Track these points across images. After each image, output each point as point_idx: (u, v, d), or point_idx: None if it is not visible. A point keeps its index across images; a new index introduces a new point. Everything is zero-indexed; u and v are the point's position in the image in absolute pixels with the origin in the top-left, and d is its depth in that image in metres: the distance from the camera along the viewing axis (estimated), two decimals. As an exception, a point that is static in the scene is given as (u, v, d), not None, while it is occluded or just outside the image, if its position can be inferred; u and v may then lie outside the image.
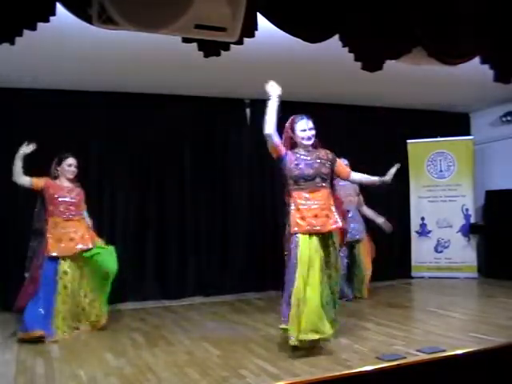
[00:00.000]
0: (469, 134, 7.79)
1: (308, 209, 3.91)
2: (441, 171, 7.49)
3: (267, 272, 6.70)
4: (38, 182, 4.64)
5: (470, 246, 7.23)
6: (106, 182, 6.14)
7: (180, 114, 6.46)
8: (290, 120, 4.08)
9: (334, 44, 3.24)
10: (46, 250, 4.49)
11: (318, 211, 3.91)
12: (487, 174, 7.57)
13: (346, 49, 3.32)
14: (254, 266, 6.66)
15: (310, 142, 4.00)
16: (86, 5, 2.57)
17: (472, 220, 7.30)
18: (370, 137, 7.27)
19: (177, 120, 6.46)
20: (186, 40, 2.99)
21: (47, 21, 2.67)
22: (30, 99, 5.69)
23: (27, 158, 5.71)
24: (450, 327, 4.37)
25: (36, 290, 4.40)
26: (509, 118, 7.24)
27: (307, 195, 3.94)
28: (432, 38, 3.31)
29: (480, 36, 3.43)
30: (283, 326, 3.80)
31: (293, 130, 4.02)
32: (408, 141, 7.45)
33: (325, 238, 3.93)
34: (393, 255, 7.28)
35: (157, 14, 2.53)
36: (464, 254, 7.21)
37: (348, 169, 4.22)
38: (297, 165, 3.95)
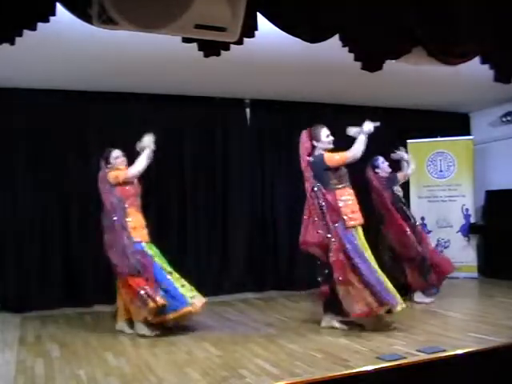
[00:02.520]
0: (469, 134, 7.80)
1: (353, 204, 4.45)
2: (441, 171, 7.49)
3: (267, 272, 6.71)
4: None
5: (470, 246, 7.23)
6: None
7: (180, 114, 6.46)
8: (307, 133, 4.55)
9: (334, 44, 3.24)
10: (130, 237, 4.50)
11: (357, 205, 4.48)
12: (487, 174, 7.57)
13: (346, 49, 3.32)
14: (253, 266, 6.66)
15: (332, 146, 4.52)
16: (85, 5, 2.56)
17: (472, 220, 7.29)
18: (370, 137, 7.25)
19: (177, 120, 6.46)
20: (185, 40, 2.99)
21: (47, 21, 2.67)
22: (30, 99, 5.68)
23: (28, 159, 5.77)
24: (450, 327, 4.37)
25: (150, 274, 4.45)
26: (509, 118, 7.23)
27: (350, 191, 4.49)
28: (432, 38, 3.31)
29: (480, 36, 3.43)
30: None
31: (317, 138, 4.49)
32: (408, 141, 7.43)
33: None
34: (393, 255, 7.28)
35: (157, 14, 2.53)
36: (464, 254, 7.20)
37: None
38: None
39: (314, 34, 3.18)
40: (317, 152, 4.51)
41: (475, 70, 3.74)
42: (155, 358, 3.74)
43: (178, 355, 3.82)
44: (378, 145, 7.24)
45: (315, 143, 4.51)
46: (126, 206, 4.59)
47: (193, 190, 6.49)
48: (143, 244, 4.58)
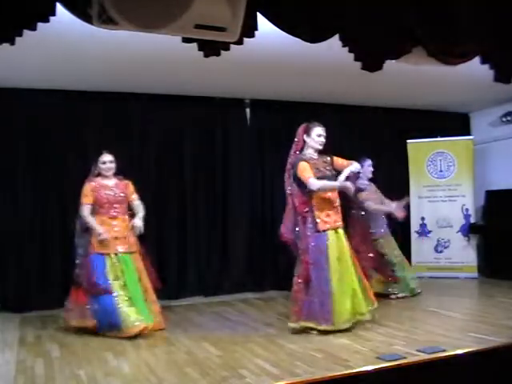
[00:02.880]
0: (469, 134, 7.79)
1: (331, 207, 4.40)
2: (441, 171, 7.49)
3: (267, 272, 6.71)
4: (90, 198, 4.63)
5: (469, 246, 7.22)
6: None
7: (180, 114, 6.46)
8: (303, 127, 4.54)
9: (334, 44, 3.24)
10: (91, 247, 4.54)
11: (338, 208, 4.46)
12: (487, 174, 7.57)
13: (346, 49, 3.32)
14: (253, 266, 6.66)
15: (322, 147, 4.50)
16: (85, 5, 2.56)
17: (472, 220, 7.29)
18: (370, 137, 7.28)
19: (177, 120, 6.46)
20: (185, 40, 2.99)
21: (47, 21, 2.67)
22: (30, 99, 5.68)
23: (28, 159, 5.77)
24: (450, 327, 4.37)
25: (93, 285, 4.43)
26: (509, 118, 7.23)
27: (330, 194, 4.41)
28: (432, 38, 3.31)
29: (480, 36, 3.43)
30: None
31: (308, 134, 4.47)
32: (408, 141, 7.45)
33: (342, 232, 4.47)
34: (393, 255, 7.28)
35: (157, 14, 2.53)
36: (464, 253, 7.20)
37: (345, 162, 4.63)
38: (317, 169, 4.41)
39: (314, 34, 3.18)
40: (306, 148, 4.49)
41: (475, 69, 3.74)
42: (155, 358, 3.74)
43: (177, 355, 3.82)
44: (379, 145, 7.33)
45: (305, 137, 4.49)
46: (103, 215, 4.61)
47: (193, 190, 6.49)
48: (104, 256, 4.50)
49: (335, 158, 4.58)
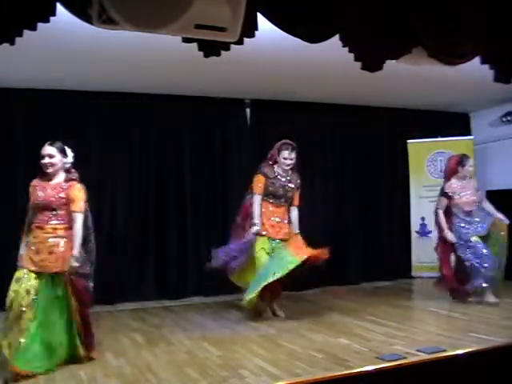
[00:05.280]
0: (469, 134, 7.79)
1: (269, 219, 4.98)
2: (441, 171, 7.47)
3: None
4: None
5: (470, 246, 7.21)
6: (106, 182, 6.12)
7: (180, 114, 6.46)
8: (278, 145, 5.08)
9: (334, 44, 3.24)
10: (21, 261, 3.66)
11: (274, 223, 4.99)
12: (487, 174, 7.56)
13: (346, 49, 3.32)
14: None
15: (289, 168, 5.08)
16: (85, 5, 2.57)
17: (472, 220, 7.28)
18: (370, 137, 7.28)
19: (177, 120, 6.46)
20: (186, 40, 2.99)
21: (47, 21, 2.67)
22: (31, 99, 5.68)
23: (28, 159, 5.76)
24: (450, 327, 4.37)
25: None
26: (509, 118, 7.23)
27: (275, 209, 5.04)
28: (432, 38, 3.31)
29: (480, 36, 3.43)
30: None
31: (279, 155, 5.06)
32: (408, 141, 7.44)
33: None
34: (393, 255, 7.28)
35: (157, 14, 2.53)
36: (464, 254, 7.19)
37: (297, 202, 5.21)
38: (273, 184, 5.01)
39: (314, 34, 3.19)
40: (278, 165, 5.09)
41: (475, 69, 3.74)
42: (155, 358, 3.74)
43: (177, 355, 3.82)
44: (379, 145, 7.33)
45: (277, 157, 5.12)
46: (33, 222, 3.66)
47: (193, 190, 6.48)
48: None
49: (296, 194, 5.14)
